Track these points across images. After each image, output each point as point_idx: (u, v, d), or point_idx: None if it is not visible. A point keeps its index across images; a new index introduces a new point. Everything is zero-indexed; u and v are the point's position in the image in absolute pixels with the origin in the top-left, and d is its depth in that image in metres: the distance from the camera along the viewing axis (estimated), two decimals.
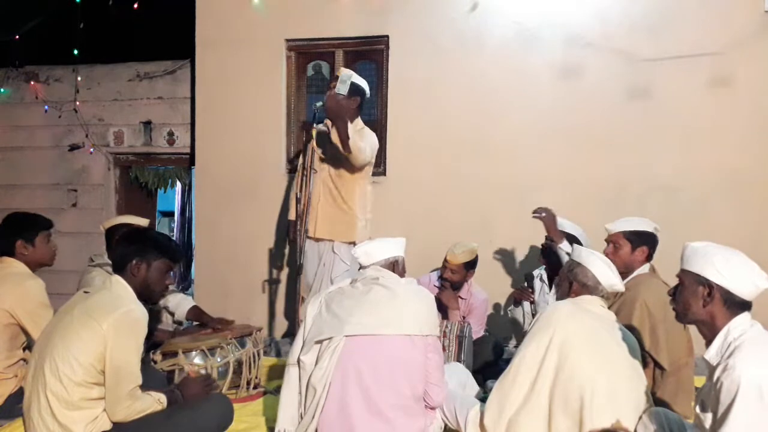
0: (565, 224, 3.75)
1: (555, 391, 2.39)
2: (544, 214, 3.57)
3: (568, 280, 2.67)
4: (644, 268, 3.11)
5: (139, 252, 2.54)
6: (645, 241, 3.10)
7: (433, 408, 2.68)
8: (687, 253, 2.05)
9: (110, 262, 2.86)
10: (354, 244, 3.98)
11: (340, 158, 3.92)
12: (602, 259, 2.65)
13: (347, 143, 3.65)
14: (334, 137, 3.68)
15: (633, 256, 3.09)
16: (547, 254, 3.76)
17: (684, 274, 2.04)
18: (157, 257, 2.58)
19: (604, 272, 2.59)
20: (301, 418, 2.58)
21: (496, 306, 4.81)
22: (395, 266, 2.78)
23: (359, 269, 2.82)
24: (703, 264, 1.97)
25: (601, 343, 2.44)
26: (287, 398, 2.64)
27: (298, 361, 2.62)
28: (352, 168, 3.88)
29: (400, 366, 2.50)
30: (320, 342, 2.55)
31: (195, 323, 3.94)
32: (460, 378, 3.00)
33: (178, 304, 3.97)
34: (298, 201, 3.79)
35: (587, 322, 2.48)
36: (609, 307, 2.81)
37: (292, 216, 4.18)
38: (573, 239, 3.74)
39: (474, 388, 3.08)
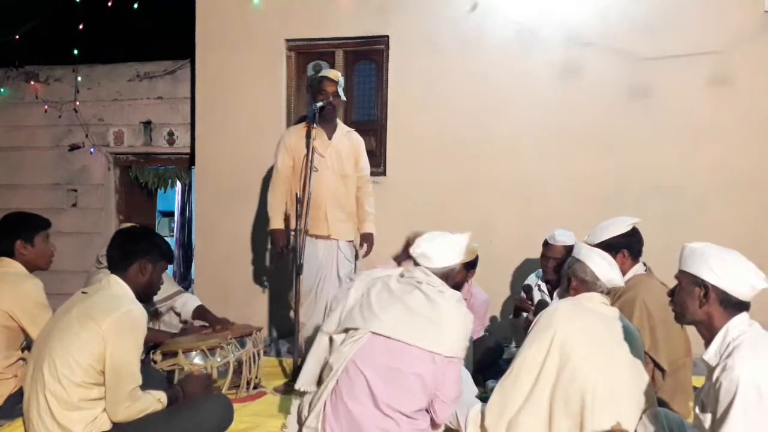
0: (560, 238, 3.70)
1: (556, 392, 2.39)
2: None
3: (567, 277, 2.68)
4: (639, 269, 3.09)
5: (147, 252, 2.55)
6: (621, 245, 3.04)
7: (435, 425, 2.62)
8: (684, 253, 2.05)
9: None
10: (351, 242, 4.03)
11: (344, 160, 3.96)
12: (600, 254, 2.65)
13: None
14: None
15: (616, 263, 3.06)
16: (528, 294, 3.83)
17: (681, 275, 2.04)
18: (161, 258, 2.61)
19: (603, 267, 2.58)
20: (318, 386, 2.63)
21: (497, 306, 4.81)
22: (448, 277, 2.67)
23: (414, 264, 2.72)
24: (699, 265, 1.97)
25: (602, 343, 2.43)
26: (312, 362, 2.69)
27: (331, 338, 2.66)
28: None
29: (412, 380, 2.46)
30: (347, 330, 2.58)
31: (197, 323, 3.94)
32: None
33: (185, 303, 3.99)
34: (299, 201, 3.79)
35: (588, 321, 2.48)
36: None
37: (278, 224, 4.02)
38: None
39: (473, 390, 3.07)
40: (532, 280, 4.02)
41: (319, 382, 2.64)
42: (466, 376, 3.10)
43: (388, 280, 2.67)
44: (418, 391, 2.48)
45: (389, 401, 2.44)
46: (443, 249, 2.65)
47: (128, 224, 3.95)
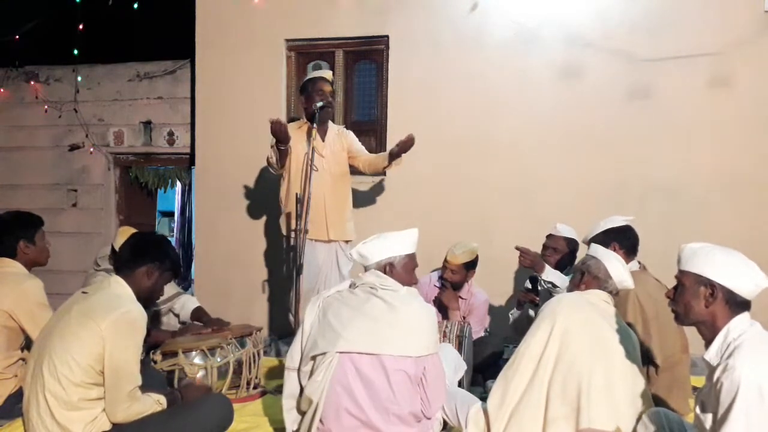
0: (563, 230, 3.82)
1: (554, 379, 2.44)
2: (528, 260, 3.52)
3: (581, 271, 2.74)
4: (633, 266, 3.11)
5: (159, 257, 2.56)
6: (612, 238, 3.11)
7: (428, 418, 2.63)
8: (685, 254, 2.04)
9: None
10: (349, 242, 4.04)
11: (339, 160, 3.97)
12: (616, 257, 2.75)
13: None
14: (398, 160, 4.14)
15: None
16: (534, 286, 3.82)
17: (684, 275, 2.03)
18: (169, 268, 2.62)
19: (617, 268, 2.67)
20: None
21: (496, 306, 4.81)
22: (390, 269, 2.64)
23: (365, 270, 2.74)
24: (703, 264, 1.97)
25: (601, 335, 2.48)
26: (289, 403, 2.64)
27: (299, 369, 2.62)
28: (349, 170, 4.01)
29: (396, 385, 2.44)
30: (315, 357, 2.52)
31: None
32: (450, 360, 2.97)
33: (183, 304, 3.99)
34: (299, 201, 3.79)
35: (589, 314, 2.53)
36: None
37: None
38: (575, 243, 3.78)
39: (462, 368, 3.08)
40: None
41: (300, 411, 2.61)
42: (456, 358, 3.08)
43: (341, 295, 2.64)
44: (405, 395, 2.45)
45: (380, 414, 2.43)
46: (378, 245, 2.65)
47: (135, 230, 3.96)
